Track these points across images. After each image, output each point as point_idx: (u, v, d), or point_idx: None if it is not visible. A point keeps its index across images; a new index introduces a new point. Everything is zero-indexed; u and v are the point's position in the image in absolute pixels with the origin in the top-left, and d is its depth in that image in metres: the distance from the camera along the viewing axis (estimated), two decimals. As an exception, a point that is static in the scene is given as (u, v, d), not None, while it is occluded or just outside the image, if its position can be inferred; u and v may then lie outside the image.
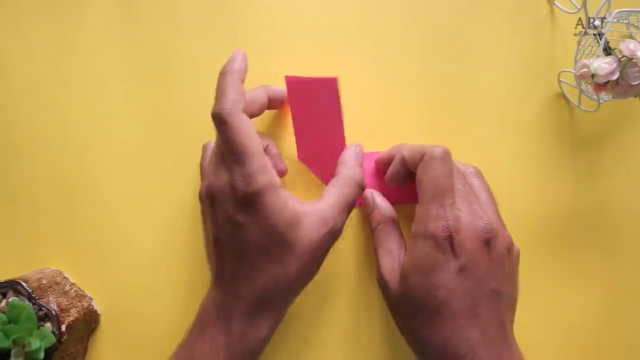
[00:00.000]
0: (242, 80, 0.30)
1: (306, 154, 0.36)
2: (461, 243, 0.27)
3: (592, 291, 0.36)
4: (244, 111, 0.29)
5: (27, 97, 0.38)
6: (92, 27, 0.38)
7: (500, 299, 0.28)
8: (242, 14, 0.38)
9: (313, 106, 0.33)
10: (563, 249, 0.36)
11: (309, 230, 0.28)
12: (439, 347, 0.27)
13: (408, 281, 0.29)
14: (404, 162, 0.32)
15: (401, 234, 0.33)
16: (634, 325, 0.36)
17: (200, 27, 0.38)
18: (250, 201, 0.27)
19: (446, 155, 0.29)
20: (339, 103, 0.31)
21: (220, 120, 0.28)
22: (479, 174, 0.32)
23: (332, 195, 0.30)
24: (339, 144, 0.33)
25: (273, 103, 0.35)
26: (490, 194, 0.32)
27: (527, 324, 0.35)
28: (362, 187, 0.32)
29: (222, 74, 0.30)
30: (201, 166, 0.35)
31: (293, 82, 0.34)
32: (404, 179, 0.33)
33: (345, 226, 0.36)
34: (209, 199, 0.29)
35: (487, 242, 0.28)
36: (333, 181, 0.31)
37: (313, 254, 0.29)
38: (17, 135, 0.38)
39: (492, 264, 0.28)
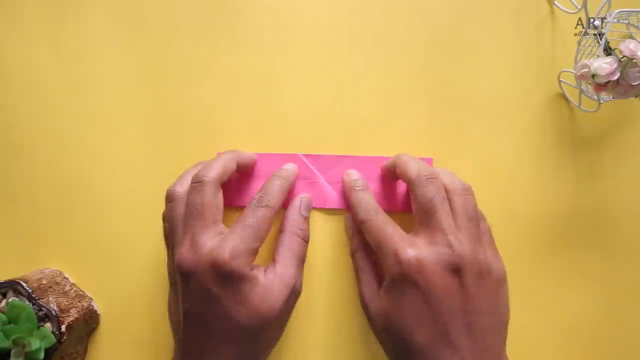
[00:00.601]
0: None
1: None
2: (424, 273, 0.27)
3: (592, 291, 0.36)
4: None
5: (27, 97, 0.38)
6: (92, 27, 0.38)
7: (478, 323, 0.28)
8: (242, 14, 0.38)
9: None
10: (563, 249, 0.36)
11: (276, 297, 0.29)
12: None
13: (382, 314, 0.29)
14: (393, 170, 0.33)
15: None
16: (634, 325, 0.36)
17: (200, 27, 0.38)
18: (230, 278, 0.28)
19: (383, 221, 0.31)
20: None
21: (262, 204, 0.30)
22: (464, 190, 0.31)
23: (285, 257, 0.31)
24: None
25: (241, 168, 0.34)
26: (472, 214, 0.30)
27: (527, 324, 0.35)
28: (305, 240, 0.33)
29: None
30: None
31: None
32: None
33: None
34: (184, 272, 0.28)
35: (456, 269, 0.28)
36: (280, 240, 0.32)
37: (282, 318, 0.30)
38: (17, 135, 0.38)
39: (464, 289, 0.28)
